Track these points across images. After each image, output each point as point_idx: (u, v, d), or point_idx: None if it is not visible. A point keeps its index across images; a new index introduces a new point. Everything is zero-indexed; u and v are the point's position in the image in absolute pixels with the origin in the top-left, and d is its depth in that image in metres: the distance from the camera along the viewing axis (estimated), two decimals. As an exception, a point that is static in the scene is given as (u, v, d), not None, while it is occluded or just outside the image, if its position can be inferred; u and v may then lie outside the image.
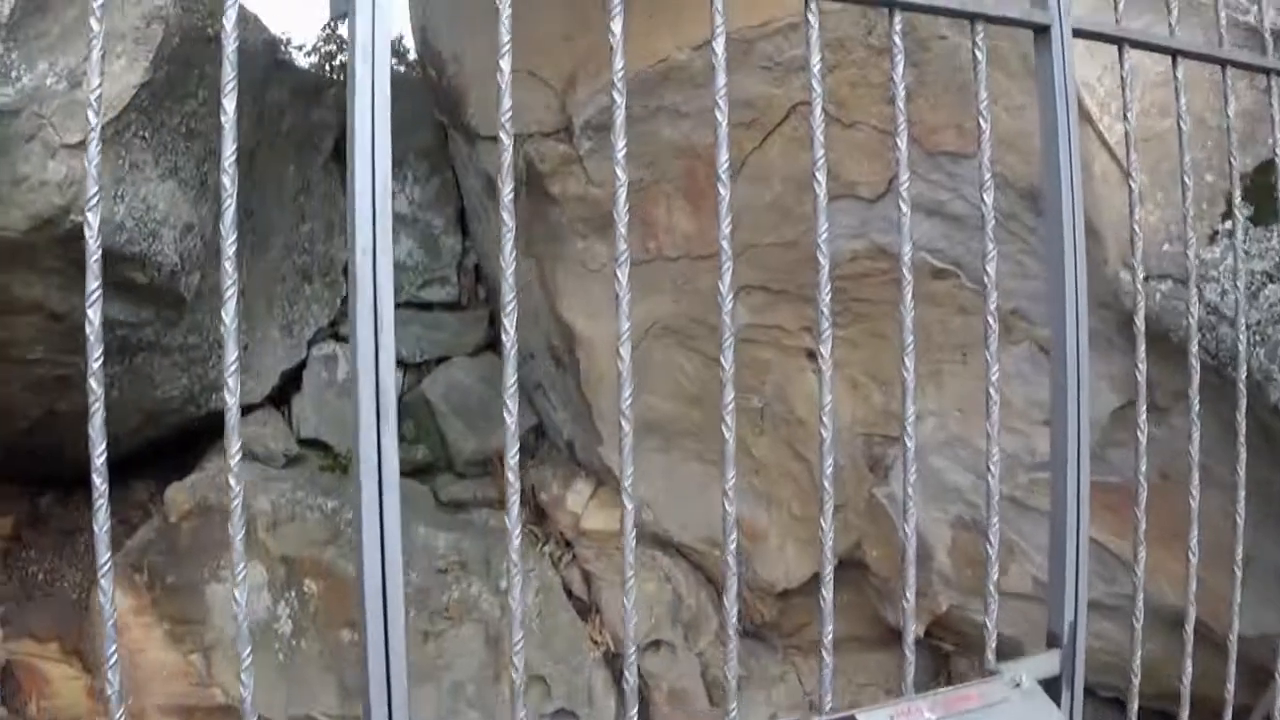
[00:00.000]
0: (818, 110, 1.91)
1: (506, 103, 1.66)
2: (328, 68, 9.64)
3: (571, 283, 5.19)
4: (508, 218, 1.65)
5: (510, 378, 1.66)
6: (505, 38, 1.66)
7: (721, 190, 1.83)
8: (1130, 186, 2.37)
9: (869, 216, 4.13)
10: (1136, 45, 2.34)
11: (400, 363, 6.27)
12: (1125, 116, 2.35)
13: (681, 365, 4.97)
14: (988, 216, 2.13)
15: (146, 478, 5.96)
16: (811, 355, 4.61)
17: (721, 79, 1.81)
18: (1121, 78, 2.33)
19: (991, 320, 2.12)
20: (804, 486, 4.88)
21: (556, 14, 4.70)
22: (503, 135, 1.66)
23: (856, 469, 4.70)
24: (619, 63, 1.74)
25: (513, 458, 1.65)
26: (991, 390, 2.12)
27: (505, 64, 1.66)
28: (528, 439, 6.33)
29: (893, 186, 3.96)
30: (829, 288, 1.92)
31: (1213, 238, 3.30)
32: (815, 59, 1.93)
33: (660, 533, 5.45)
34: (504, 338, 1.66)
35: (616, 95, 1.74)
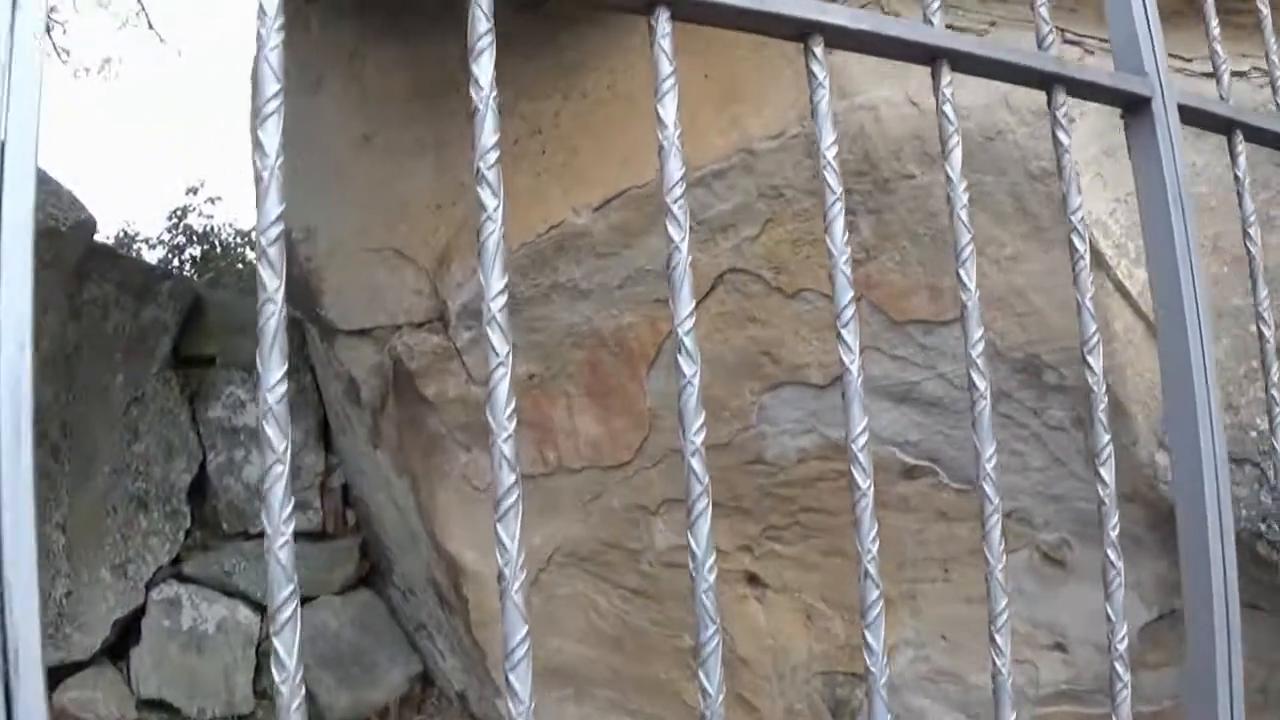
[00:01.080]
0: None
1: (272, 208, 0.87)
2: (176, 261, 8.91)
3: (454, 506, 4.34)
4: (271, 415, 0.83)
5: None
6: (273, 65, 0.88)
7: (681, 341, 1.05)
8: (1262, 332, 1.63)
9: (819, 407, 3.41)
10: (1254, 135, 1.62)
11: (256, 605, 5.45)
12: (1246, 235, 1.62)
13: (593, 600, 4.13)
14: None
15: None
16: (753, 579, 3.85)
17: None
18: (1236, 176, 1.61)
19: (1110, 527, 1.34)
20: (753, 741, 4.04)
21: (423, 179, 3.99)
22: (263, 271, 0.86)
23: (817, 716, 3.88)
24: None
25: None
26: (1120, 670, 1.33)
27: (272, 121, 0.87)
28: (412, 689, 5.43)
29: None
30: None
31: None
32: (829, 136, 1.17)
33: (576, 801, 4.53)
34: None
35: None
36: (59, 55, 12.31)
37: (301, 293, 4.62)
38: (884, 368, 3.22)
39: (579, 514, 4.05)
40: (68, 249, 4.60)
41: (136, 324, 5.37)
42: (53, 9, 10.59)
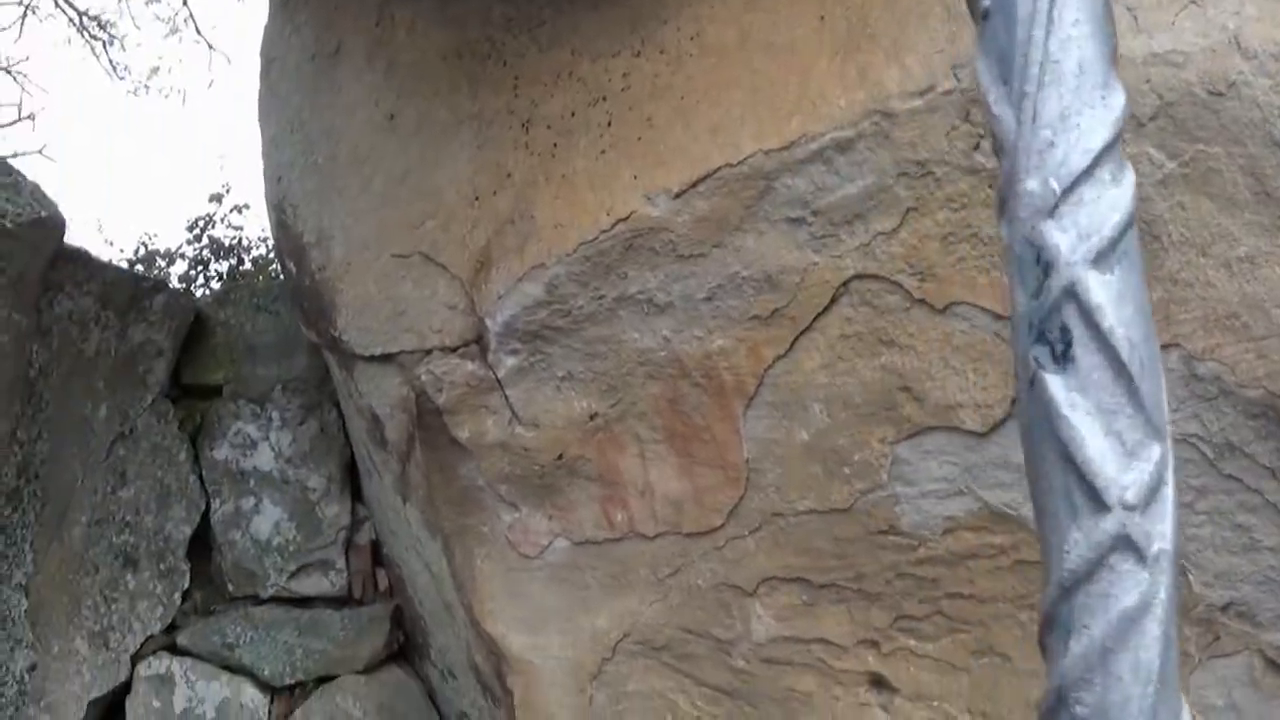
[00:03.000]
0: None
1: None
2: (201, 279, 8.41)
3: (497, 577, 3.72)
4: None
5: None
6: None
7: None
8: None
9: (976, 461, 2.80)
10: None
11: (264, 685, 4.93)
12: None
13: (672, 701, 3.52)
14: None
15: None
16: (879, 683, 3.26)
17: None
18: None
19: None
20: None
21: (459, 163, 3.40)
22: None
23: None
24: None
25: None
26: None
27: None
28: (453, 791, 4.80)
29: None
30: None
31: None
32: None
33: None
34: None
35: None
36: (114, 74, 12.25)
37: (314, 309, 4.03)
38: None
39: (655, 592, 3.44)
40: (21, 252, 4.04)
41: (124, 346, 4.86)
42: (110, 23, 10.51)
